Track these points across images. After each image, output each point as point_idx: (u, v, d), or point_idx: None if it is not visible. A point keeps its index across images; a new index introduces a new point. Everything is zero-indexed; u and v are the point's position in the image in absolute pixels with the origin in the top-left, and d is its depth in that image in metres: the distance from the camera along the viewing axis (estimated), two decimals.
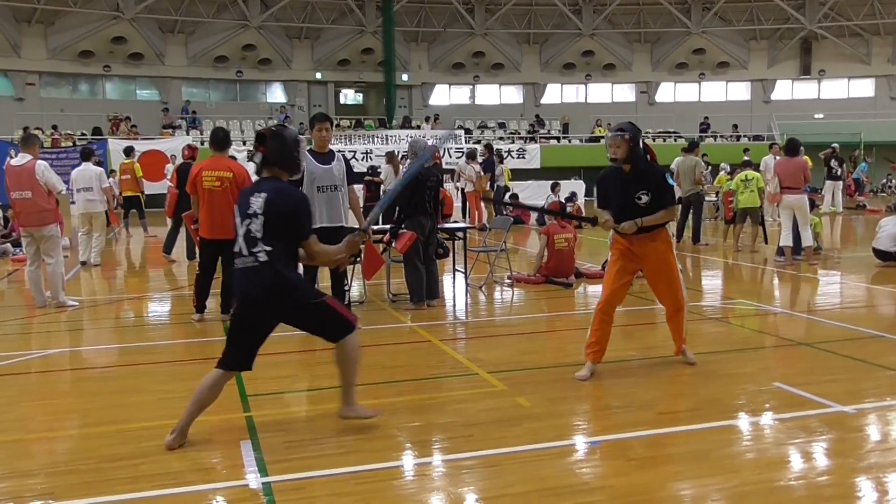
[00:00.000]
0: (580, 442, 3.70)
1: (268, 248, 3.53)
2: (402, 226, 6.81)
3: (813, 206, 11.96)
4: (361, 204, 8.32)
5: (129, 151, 15.32)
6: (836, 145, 18.08)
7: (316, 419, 4.06)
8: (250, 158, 3.89)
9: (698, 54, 30.11)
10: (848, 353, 5.16)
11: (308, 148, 5.80)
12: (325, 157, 5.91)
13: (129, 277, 10.01)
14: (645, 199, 4.57)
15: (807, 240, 9.31)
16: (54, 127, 22.69)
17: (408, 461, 3.50)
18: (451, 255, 7.93)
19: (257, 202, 3.58)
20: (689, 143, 12.34)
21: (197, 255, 7.74)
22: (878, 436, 3.78)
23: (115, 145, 20.54)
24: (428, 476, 3.36)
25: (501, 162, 18.56)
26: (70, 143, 19.46)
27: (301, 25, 27.85)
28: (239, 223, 3.64)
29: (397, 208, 6.97)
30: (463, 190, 15.85)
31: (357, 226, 5.81)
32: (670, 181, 4.67)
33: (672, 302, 4.85)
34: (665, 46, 30.23)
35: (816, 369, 4.88)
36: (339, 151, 6.25)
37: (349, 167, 6.10)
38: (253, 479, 3.24)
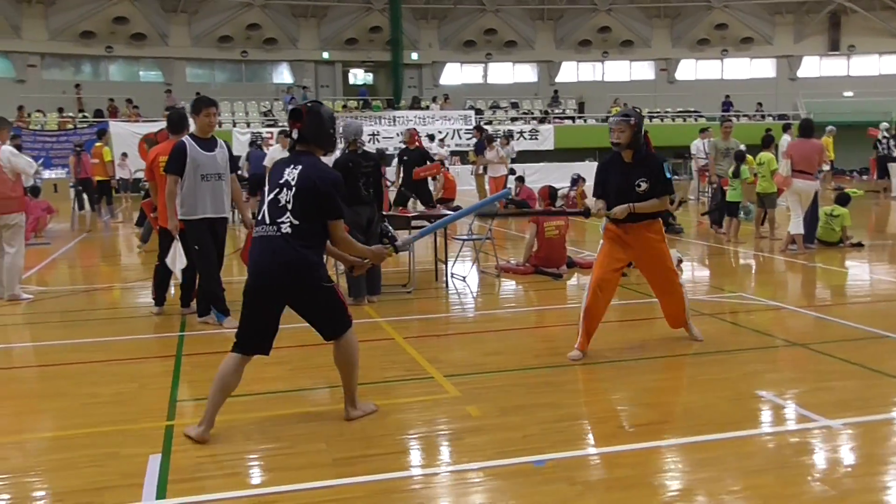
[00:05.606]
0: (522, 461, 3.26)
1: (295, 222, 3.40)
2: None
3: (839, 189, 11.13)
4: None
5: (101, 134, 14.93)
6: (886, 124, 17.53)
7: (242, 429, 3.65)
8: (287, 135, 3.80)
9: (721, 30, 28.87)
10: (845, 356, 4.64)
11: (190, 132, 5.60)
12: (208, 143, 5.60)
13: (96, 267, 9.68)
14: (644, 185, 4.61)
15: (796, 227, 8.65)
16: (60, 110, 22.52)
17: (320, 483, 3.05)
18: (435, 242, 7.47)
19: (292, 173, 3.48)
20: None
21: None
22: (860, 457, 3.31)
23: (117, 128, 20.34)
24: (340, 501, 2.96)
25: (508, 143, 17.96)
26: (71, 126, 19.22)
27: (307, 3, 27.28)
28: (267, 191, 3.52)
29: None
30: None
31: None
32: (668, 173, 4.66)
33: (668, 292, 4.85)
34: (686, 22, 29.04)
35: (807, 376, 4.39)
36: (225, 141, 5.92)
37: (231, 155, 5.79)
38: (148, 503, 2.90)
